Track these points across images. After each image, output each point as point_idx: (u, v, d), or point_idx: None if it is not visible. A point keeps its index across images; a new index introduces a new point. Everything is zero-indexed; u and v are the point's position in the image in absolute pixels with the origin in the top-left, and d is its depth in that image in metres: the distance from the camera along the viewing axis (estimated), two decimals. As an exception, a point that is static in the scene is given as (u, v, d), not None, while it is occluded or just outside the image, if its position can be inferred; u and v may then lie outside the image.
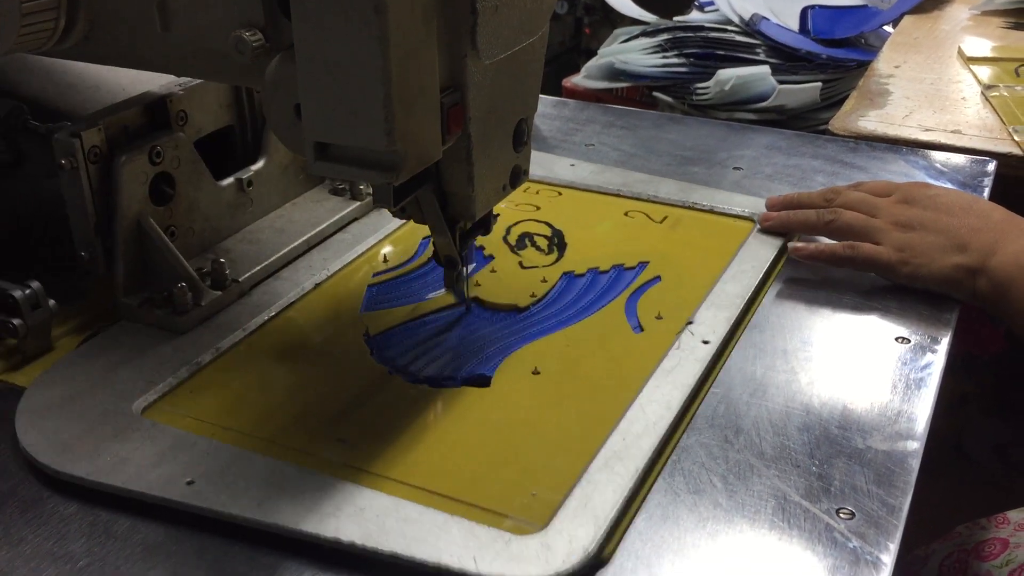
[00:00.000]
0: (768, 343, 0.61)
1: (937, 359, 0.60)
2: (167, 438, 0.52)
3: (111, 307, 0.63)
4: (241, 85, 0.65)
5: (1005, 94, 1.08)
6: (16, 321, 0.58)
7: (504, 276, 0.69)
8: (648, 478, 0.50)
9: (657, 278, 0.68)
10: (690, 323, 0.61)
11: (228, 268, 0.65)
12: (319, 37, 0.45)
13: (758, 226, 0.74)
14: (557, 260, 0.71)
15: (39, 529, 0.47)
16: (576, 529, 0.45)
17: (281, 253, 0.69)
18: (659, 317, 0.63)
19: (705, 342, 0.59)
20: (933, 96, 1.10)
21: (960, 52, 1.24)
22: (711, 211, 0.77)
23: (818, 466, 0.51)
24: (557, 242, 0.73)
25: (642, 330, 0.62)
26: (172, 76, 0.66)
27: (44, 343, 0.61)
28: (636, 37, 1.42)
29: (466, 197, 0.54)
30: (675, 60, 1.35)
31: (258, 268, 0.67)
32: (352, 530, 0.45)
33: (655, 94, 1.37)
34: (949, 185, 0.83)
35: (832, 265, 0.69)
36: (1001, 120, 1.01)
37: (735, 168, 0.87)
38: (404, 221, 0.73)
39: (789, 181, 0.85)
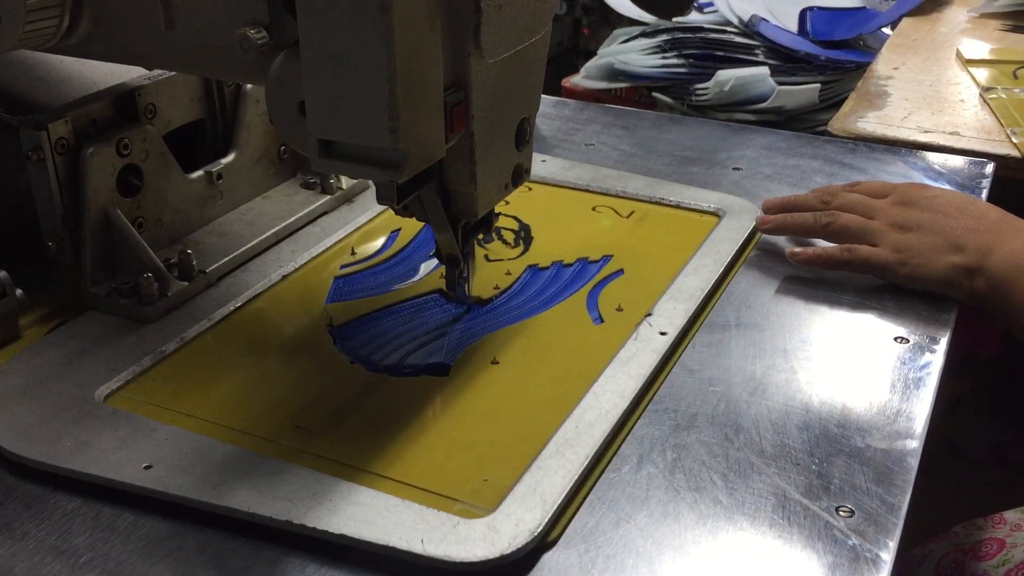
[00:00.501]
0: (768, 342, 0.62)
1: (936, 359, 0.60)
2: (128, 424, 0.53)
3: (79, 297, 0.64)
4: (245, 83, 0.65)
5: (1003, 96, 1.09)
6: None
7: None
8: (599, 464, 0.51)
9: (620, 271, 0.69)
10: (649, 315, 0.62)
11: (195, 259, 0.66)
12: (324, 34, 0.45)
13: (723, 220, 0.75)
14: (523, 253, 0.72)
15: (42, 524, 0.48)
16: (523, 513, 0.46)
17: (249, 245, 0.70)
18: (619, 309, 0.64)
19: (663, 333, 0.61)
20: (931, 98, 1.10)
21: (958, 54, 1.25)
22: (678, 206, 0.78)
23: (818, 464, 0.51)
24: (524, 236, 0.74)
25: (602, 322, 0.63)
26: (143, 69, 0.67)
27: (11, 332, 0.61)
28: (635, 38, 1.43)
29: (468, 195, 0.55)
30: (674, 61, 1.36)
31: (226, 259, 0.68)
32: (304, 513, 0.46)
33: (654, 95, 1.38)
34: (947, 186, 0.84)
35: (830, 268, 0.69)
36: (999, 122, 1.02)
37: (735, 168, 0.88)
38: (374, 215, 0.76)
39: (788, 182, 0.85)
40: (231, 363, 0.60)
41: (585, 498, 0.49)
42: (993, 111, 1.05)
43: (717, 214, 0.76)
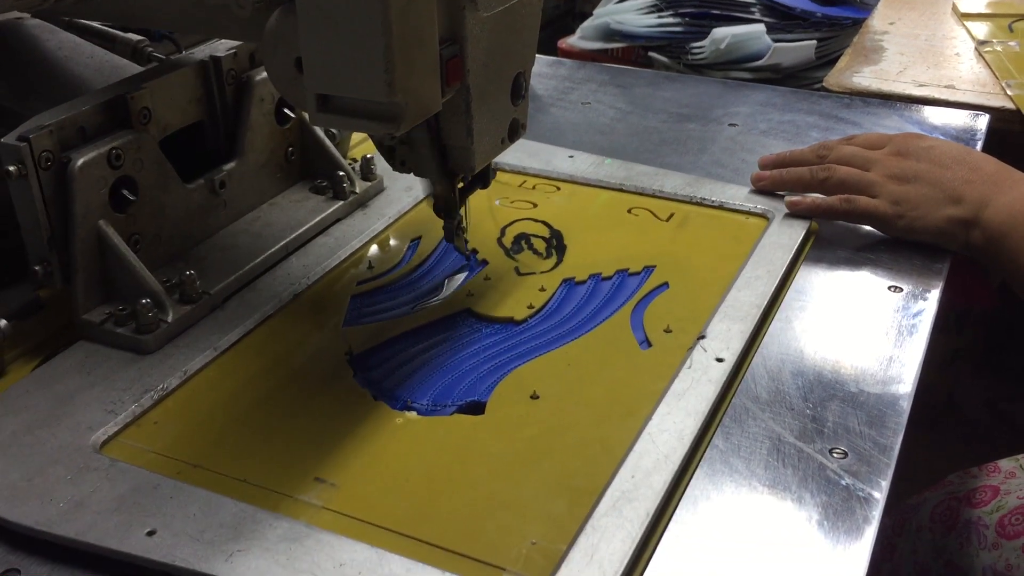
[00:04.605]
0: (763, 293, 0.62)
1: (928, 306, 0.61)
2: (128, 479, 0.47)
3: (69, 325, 0.58)
4: (241, 40, 0.65)
5: (999, 49, 1.09)
6: None
7: (499, 284, 0.64)
8: (661, 521, 0.45)
9: (665, 285, 0.63)
10: (702, 337, 0.56)
11: (198, 279, 0.60)
12: (319, -11, 0.45)
13: (772, 224, 0.69)
14: (556, 265, 0.66)
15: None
16: None
17: (257, 261, 0.64)
18: (668, 330, 0.58)
19: (719, 359, 0.55)
20: (927, 52, 1.10)
21: (954, 8, 1.24)
22: (721, 207, 0.72)
23: (812, 409, 0.52)
24: (556, 244, 0.68)
25: (650, 345, 0.57)
26: (137, 66, 0.63)
27: None
28: (631, -3, 1.42)
29: (465, 150, 0.55)
30: (670, 19, 1.35)
31: (232, 278, 0.62)
32: None
33: (650, 54, 1.37)
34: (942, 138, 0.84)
35: (829, 218, 0.70)
36: (994, 75, 1.02)
37: (730, 124, 0.88)
38: (390, 222, 0.71)
39: (784, 137, 0.85)
40: (240, 400, 0.54)
41: (648, 563, 0.43)
42: (988, 64, 1.05)
43: (765, 216, 0.70)
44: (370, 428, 0.52)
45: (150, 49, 0.69)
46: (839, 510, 0.45)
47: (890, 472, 0.47)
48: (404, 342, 0.59)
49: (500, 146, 0.58)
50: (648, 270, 0.65)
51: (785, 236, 0.67)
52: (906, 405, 0.52)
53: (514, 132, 0.59)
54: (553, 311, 0.61)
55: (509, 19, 0.54)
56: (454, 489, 0.48)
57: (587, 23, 1.44)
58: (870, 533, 0.44)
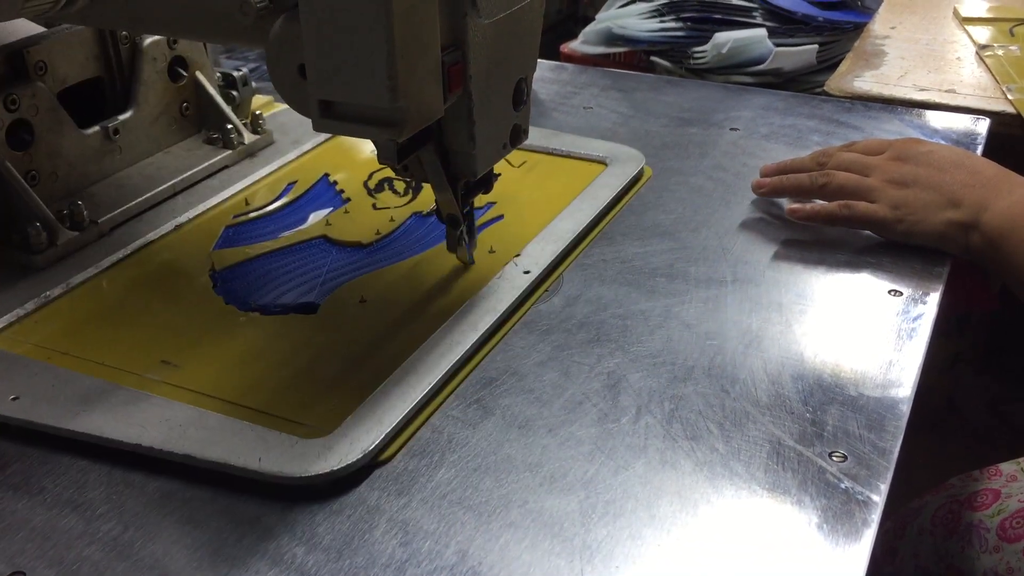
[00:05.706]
0: (763, 297, 0.63)
1: (928, 310, 0.61)
2: (4, 361, 0.56)
3: None
4: (245, 47, 0.66)
5: (1000, 54, 1.09)
6: None
7: (356, 216, 0.72)
8: (442, 391, 0.54)
9: (500, 217, 0.72)
10: (517, 256, 0.65)
11: (88, 210, 0.68)
12: (322, -4, 0.45)
13: (608, 168, 0.77)
14: (410, 202, 0.74)
15: (58, 479, 0.49)
16: (360, 434, 0.50)
17: (145, 197, 0.72)
18: (491, 251, 0.67)
19: (526, 272, 0.63)
20: (928, 56, 1.10)
21: (955, 13, 1.25)
22: (568, 155, 0.81)
23: (812, 412, 0.52)
24: (415, 186, 0.76)
25: (473, 263, 0.66)
26: (41, 27, 0.69)
27: None
28: (633, 2, 1.43)
29: (467, 155, 0.56)
30: (672, 24, 1.36)
31: (119, 210, 0.70)
32: (153, 437, 0.50)
33: (652, 59, 1.38)
34: (943, 143, 0.84)
35: (829, 225, 0.70)
36: (995, 79, 1.02)
37: (732, 129, 0.88)
38: (275, 169, 0.79)
39: (785, 141, 0.86)
40: (114, 307, 0.62)
41: (425, 422, 0.52)
42: (989, 68, 1.05)
43: (604, 162, 0.79)
44: (217, 325, 0.61)
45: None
46: (838, 513, 0.46)
47: (889, 475, 0.48)
48: (260, 260, 0.67)
49: (502, 151, 0.58)
50: (489, 205, 0.73)
51: (614, 178, 0.76)
52: (905, 409, 0.52)
53: (516, 138, 0.59)
54: (398, 237, 0.70)
55: (511, 25, 0.54)
56: (277, 369, 0.56)
57: (589, 28, 1.44)
58: (869, 536, 0.45)
